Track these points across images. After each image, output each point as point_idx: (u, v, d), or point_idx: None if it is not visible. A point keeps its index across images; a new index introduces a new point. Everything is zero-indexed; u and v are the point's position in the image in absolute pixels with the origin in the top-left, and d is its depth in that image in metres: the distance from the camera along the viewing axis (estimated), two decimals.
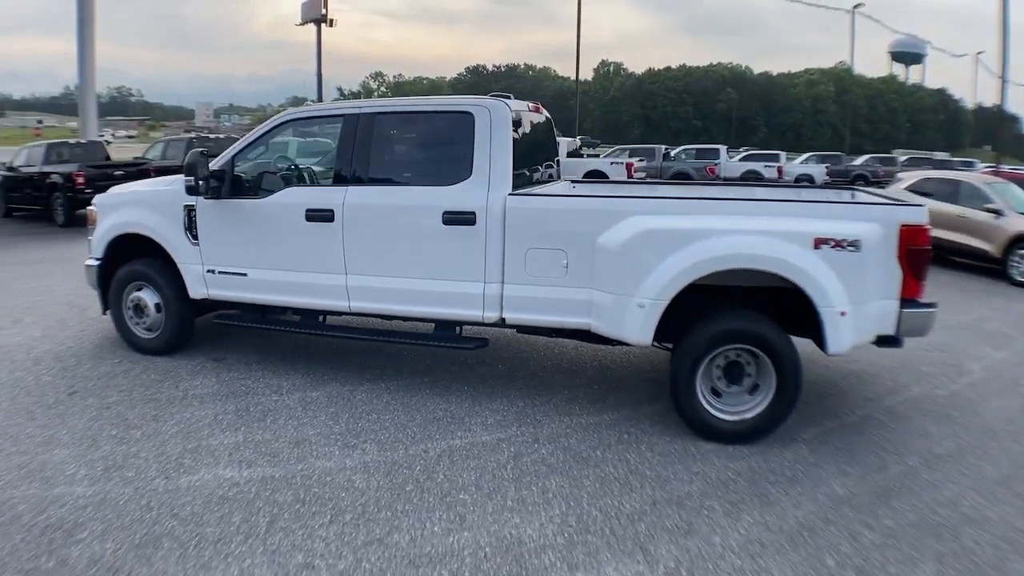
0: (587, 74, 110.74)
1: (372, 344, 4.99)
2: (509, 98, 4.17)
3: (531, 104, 4.57)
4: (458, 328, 4.13)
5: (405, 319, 4.27)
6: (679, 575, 2.51)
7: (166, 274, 4.60)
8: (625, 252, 3.54)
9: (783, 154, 21.71)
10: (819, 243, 3.34)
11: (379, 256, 4.06)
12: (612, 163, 17.44)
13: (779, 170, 18.42)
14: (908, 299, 3.47)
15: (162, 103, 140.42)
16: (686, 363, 3.52)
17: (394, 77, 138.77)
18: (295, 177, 4.65)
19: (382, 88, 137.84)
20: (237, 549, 2.65)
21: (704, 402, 3.57)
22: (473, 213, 3.81)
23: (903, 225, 3.39)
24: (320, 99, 30.23)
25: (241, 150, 4.41)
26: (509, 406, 4.06)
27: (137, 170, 12.65)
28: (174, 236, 4.49)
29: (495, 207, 3.80)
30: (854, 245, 3.31)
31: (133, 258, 4.73)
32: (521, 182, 4.15)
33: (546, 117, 4.96)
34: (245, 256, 4.37)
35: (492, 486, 3.12)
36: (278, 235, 4.25)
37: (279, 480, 3.17)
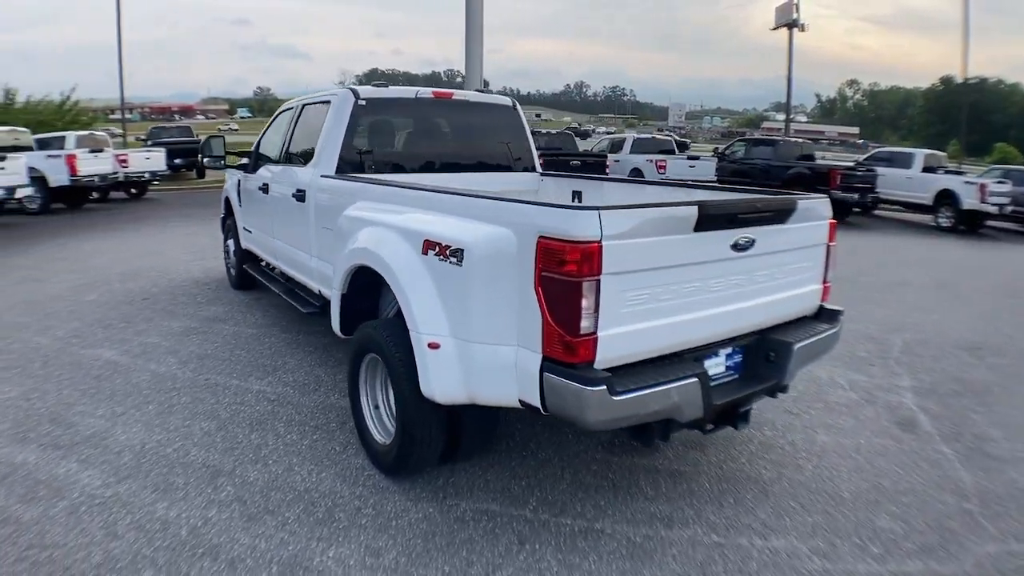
0: None
1: None
2: (385, 87, 4.45)
3: (434, 92, 4.63)
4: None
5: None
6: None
7: (235, 227, 6.41)
8: (335, 237, 3.58)
9: None
10: (427, 247, 2.69)
11: (279, 224, 4.94)
12: (966, 182, 14.09)
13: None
14: (555, 359, 2.24)
15: (652, 103, 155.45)
16: (349, 362, 3.31)
17: (870, 85, 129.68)
18: (273, 156, 5.61)
19: (856, 95, 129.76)
20: (28, 380, 4.15)
21: (368, 411, 3.27)
22: (304, 191, 4.33)
23: (541, 237, 2.27)
24: (788, 104, 30.76)
25: (264, 134, 5.84)
26: (329, 375, 4.41)
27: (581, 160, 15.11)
28: (235, 200, 6.26)
29: (313, 187, 4.22)
30: (456, 256, 2.51)
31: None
32: (419, 166, 4.48)
33: (502, 105, 4.93)
34: (250, 217, 5.82)
35: (163, 408, 3.82)
36: (255, 202, 5.56)
37: (112, 362, 4.55)
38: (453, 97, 4.71)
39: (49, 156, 12.97)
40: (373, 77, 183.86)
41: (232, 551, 2.49)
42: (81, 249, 9.07)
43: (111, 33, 23.49)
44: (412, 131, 4.67)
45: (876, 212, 15.95)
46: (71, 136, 15.01)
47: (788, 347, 2.86)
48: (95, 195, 14.92)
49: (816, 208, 3.09)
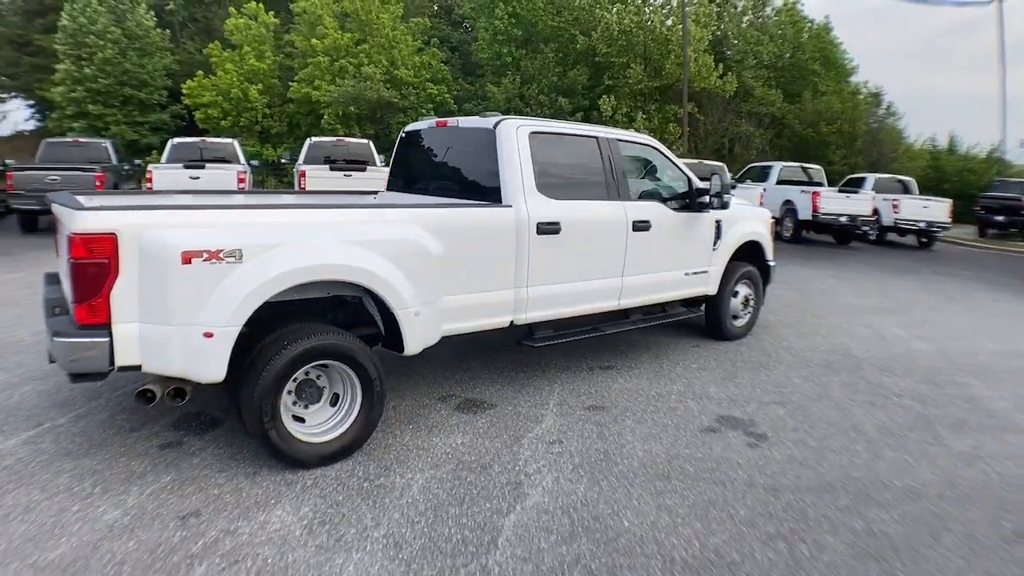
0: None
1: None
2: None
3: (436, 120, 4.99)
4: None
5: None
6: None
7: None
8: None
9: None
10: None
11: None
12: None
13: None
14: None
15: None
16: None
17: None
18: None
19: None
20: None
21: None
22: None
23: None
24: None
25: None
26: None
27: None
28: None
29: None
30: None
31: None
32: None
33: (479, 128, 4.29)
34: None
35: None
36: None
37: None
38: (446, 125, 4.77)
39: (802, 191, 14.70)
40: None
41: None
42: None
43: None
44: (421, 157, 5.16)
45: None
46: (870, 177, 16.49)
47: None
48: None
49: None
